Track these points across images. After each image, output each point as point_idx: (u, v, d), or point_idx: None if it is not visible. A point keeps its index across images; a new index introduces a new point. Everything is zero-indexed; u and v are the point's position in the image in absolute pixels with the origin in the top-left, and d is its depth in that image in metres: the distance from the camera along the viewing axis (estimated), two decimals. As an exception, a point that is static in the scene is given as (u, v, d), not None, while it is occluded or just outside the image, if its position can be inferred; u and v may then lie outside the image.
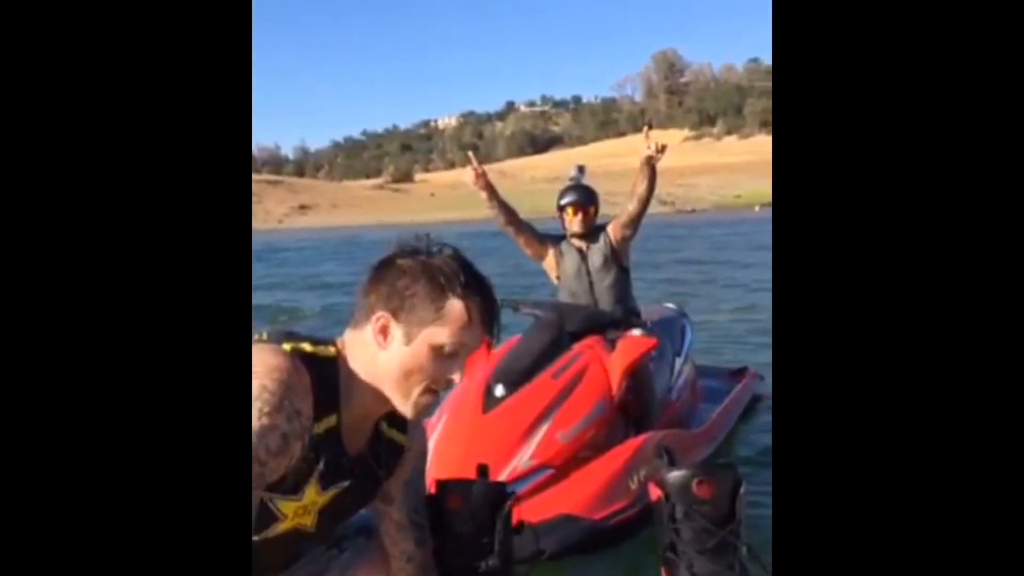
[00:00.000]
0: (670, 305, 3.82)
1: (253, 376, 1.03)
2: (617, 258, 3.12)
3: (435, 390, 1.13)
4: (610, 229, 3.13)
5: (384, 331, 1.11)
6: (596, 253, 3.11)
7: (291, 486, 1.09)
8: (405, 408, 1.13)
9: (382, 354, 1.12)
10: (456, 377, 1.12)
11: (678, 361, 3.31)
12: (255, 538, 1.10)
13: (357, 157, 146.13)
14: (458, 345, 1.11)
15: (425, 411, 1.15)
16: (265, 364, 1.05)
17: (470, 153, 3.08)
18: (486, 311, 1.13)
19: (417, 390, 1.12)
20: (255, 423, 1.00)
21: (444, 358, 1.11)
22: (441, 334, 1.10)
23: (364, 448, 1.18)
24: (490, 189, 3.01)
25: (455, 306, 1.10)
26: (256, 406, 1.01)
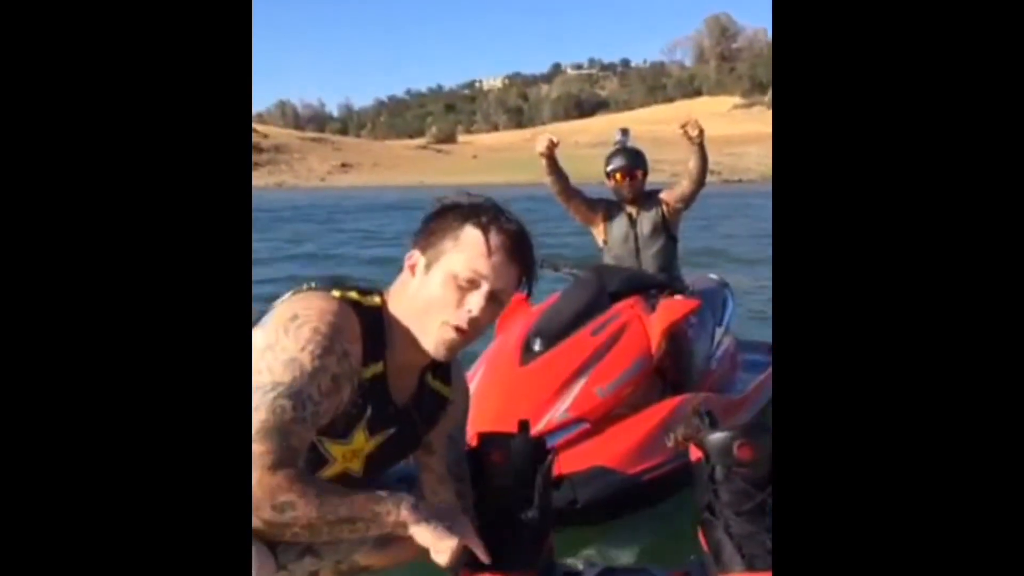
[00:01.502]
0: (713, 276, 3.77)
1: (305, 320, 1.05)
2: (667, 227, 3.09)
3: (456, 327, 1.10)
4: (664, 198, 3.07)
5: (413, 268, 1.14)
6: (646, 220, 3.07)
7: (340, 430, 1.12)
8: (429, 345, 1.12)
9: (408, 290, 1.13)
10: (475, 311, 1.08)
11: (718, 331, 3.28)
12: None
13: (401, 116, 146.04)
14: (473, 274, 1.09)
15: (450, 350, 1.13)
16: (317, 308, 1.07)
17: (552, 137, 3.03)
18: (511, 248, 1.10)
19: (435, 323, 1.10)
20: (308, 365, 1.02)
21: (460, 288, 1.09)
22: (456, 261, 1.09)
23: (409, 398, 1.20)
24: (552, 159, 2.99)
25: (471, 233, 1.10)
26: (309, 348, 1.03)
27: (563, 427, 2.30)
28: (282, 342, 1.03)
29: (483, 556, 1.07)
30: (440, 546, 1.05)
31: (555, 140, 2.99)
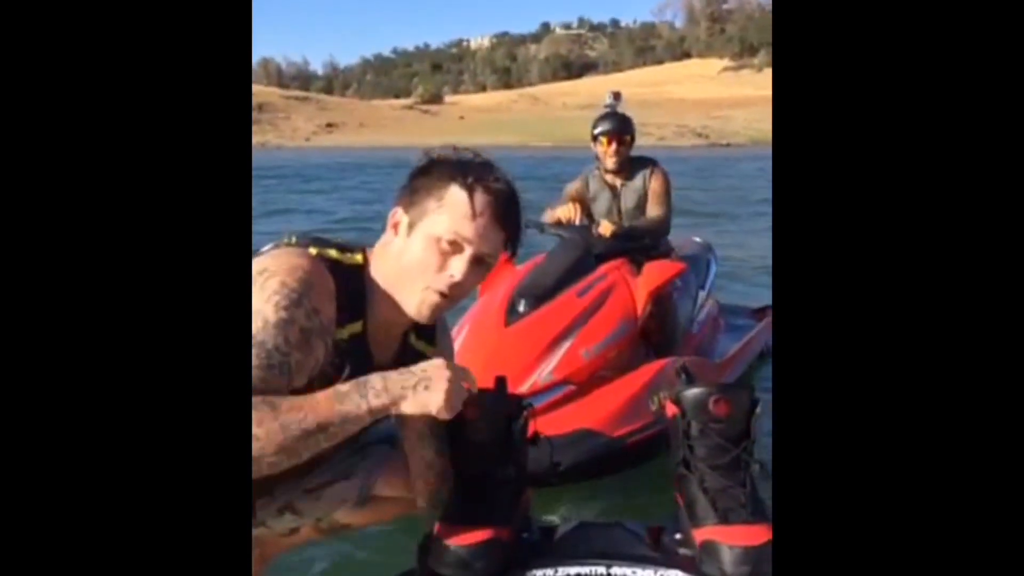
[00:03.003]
0: (697, 239, 3.77)
1: (272, 274, 1.02)
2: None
3: (438, 291, 1.06)
4: (652, 180, 2.99)
5: (396, 227, 1.10)
6: (630, 193, 3.01)
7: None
8: (411, 308, 1.09)
9: (391, 250, 1.10)
10: (457, 276, 1.05)
11: (701, 294, 3.29)
12: None
13: (387, 75, 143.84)
14: (457, 236, 1.04)
15: (432, 314, 1.09)
16: (287, 263, 1.04)
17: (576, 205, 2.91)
18: (497, 210, 1.06)
19: (417, 287, 1.07)
20: (272, 316, 0.99)
21: (442, 252, 1.05)
22: (439, 223, 1.05)
23: (391, 358, 1.17)
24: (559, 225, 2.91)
25: (455, 194, 1.05)
26: (274, 300, 1.00)
27: (548, 389, 2.30)
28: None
29: (470, 383, 1.03)
30: (433, 403, 0.98)
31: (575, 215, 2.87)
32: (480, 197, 1.05)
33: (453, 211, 1.05)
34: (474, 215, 1.04)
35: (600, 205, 3.04)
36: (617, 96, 3.22)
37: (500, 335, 2.42)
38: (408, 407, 0.99)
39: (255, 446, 0.93)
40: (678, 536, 1.09)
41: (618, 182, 3.04)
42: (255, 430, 0.93)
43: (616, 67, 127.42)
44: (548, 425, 2.11)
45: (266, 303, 1.00)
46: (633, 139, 3.07)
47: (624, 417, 2.23)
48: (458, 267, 1.05)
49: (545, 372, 2.32)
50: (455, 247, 1.05)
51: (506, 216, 1.07)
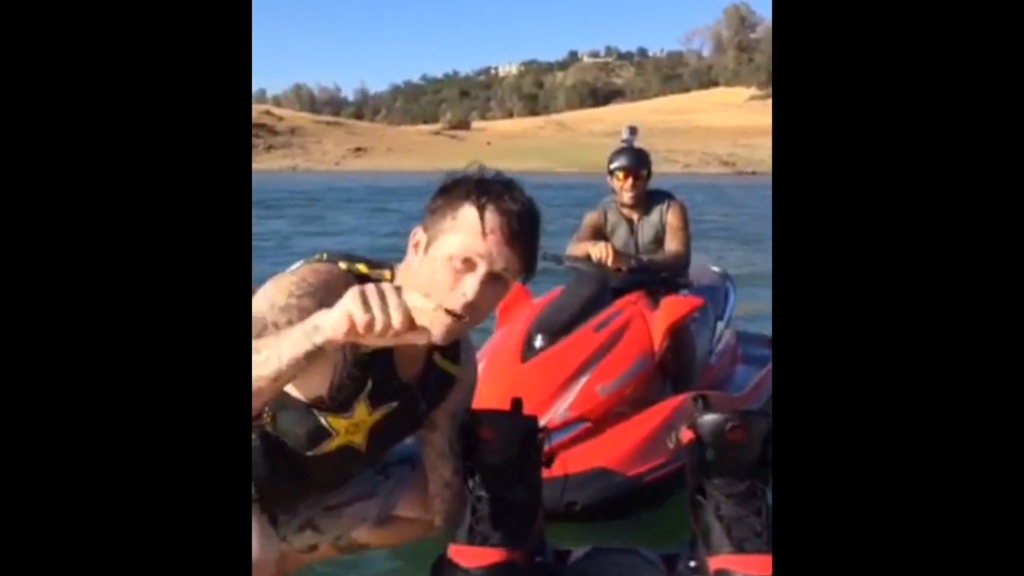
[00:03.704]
0: (715, 268, 3.74)
1: (295, 272, 1.07)
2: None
3: (451, 311, 1.05)
4: (669, 214, 2.98)
5: (416, 246, 1.12)
6: (648, 227, 2.99)
7: (340, 404, 1.12)
8: (426, 326, 1.06)
9: (411, 269, 1.12)
10: (469, 295, 1.04)
11: (719, 325, 3.25)
12: (309, 453, 1.15)
13: (416, 101, 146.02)
14: (470, 254, 1.05)
15: (448, 335, 1.08)
16: (313, 268, 1.08)
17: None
18: (510, 229, 1.06)
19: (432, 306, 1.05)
20: (281, 300, 1.02)
21: (456, 271, 1.06)
22: (452, 242, 1.06)
23: (415, 375, 1.19)
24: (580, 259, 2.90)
25: (467, 213, 1.06)
26: (288, 288, 1.03)
27: (564, 426, 2.27)
28: (266, 289, 1.04)
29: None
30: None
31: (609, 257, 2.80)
32: (491, 216, 1.06)
33: (465, 230, 1.06)
34: (485, 233, 1.05)
35: (618, 238, 3.02)
36: (633, 131, 3.20)
37: (516, 371, 2.40)
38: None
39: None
40: (692, 564, 1.09)
41: (635, 216, 3.02)
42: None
43: (643, 95, 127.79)
44: (565, 463, 2.08)
45: (280, 292, 1.04)
46: (650, 174, 3.05)
47: (641, 455, 2.19)
48: (471, 285, 1.05)
49: (561, 409, 2.29)
50: (468, 264, 1.06)
51: (520, 235, 1.07)
